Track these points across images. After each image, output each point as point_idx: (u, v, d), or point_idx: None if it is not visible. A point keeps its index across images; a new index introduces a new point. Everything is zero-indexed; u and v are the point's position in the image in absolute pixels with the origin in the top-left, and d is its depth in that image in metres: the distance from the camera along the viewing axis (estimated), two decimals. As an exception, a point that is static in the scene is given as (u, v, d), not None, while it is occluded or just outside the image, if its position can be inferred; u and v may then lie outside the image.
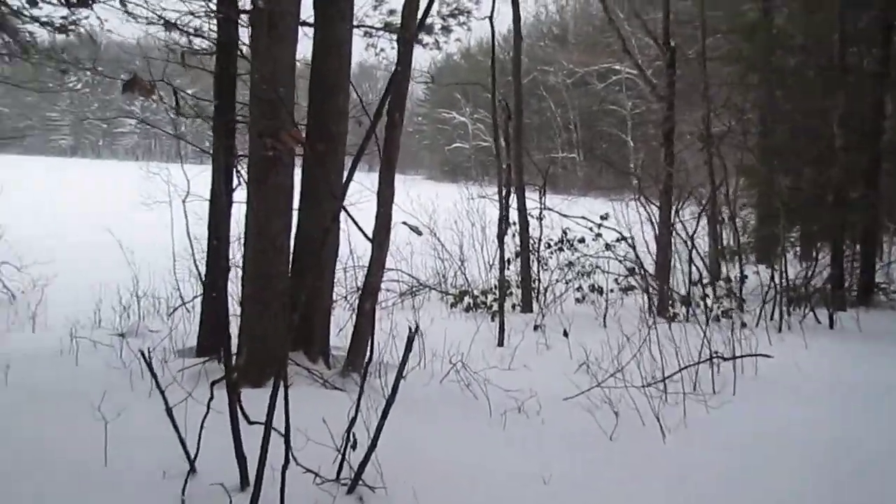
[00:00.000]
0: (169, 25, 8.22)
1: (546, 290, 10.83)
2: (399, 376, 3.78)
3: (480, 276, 12.52)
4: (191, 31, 7.84)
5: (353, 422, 3.79)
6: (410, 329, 3.71)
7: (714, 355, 6.21)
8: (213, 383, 3.78)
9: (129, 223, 11.65)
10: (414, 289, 11.51)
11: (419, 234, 4.29)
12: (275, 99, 5.73)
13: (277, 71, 5.84)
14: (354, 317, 8.05)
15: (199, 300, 8.89)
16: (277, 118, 5.80)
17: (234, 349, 6.80)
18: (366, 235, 3.89)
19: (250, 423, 3.67)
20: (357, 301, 7.33)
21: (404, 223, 4.10)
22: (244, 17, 7.46)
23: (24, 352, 6.68)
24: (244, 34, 7.34)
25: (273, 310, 6.01)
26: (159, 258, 10.72)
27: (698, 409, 5.35)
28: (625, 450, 4.61)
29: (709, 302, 9.38)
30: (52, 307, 9.18)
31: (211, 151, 7.69)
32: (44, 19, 9.11)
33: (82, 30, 9.88)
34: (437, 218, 12.62)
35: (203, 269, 8.61)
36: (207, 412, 3.74)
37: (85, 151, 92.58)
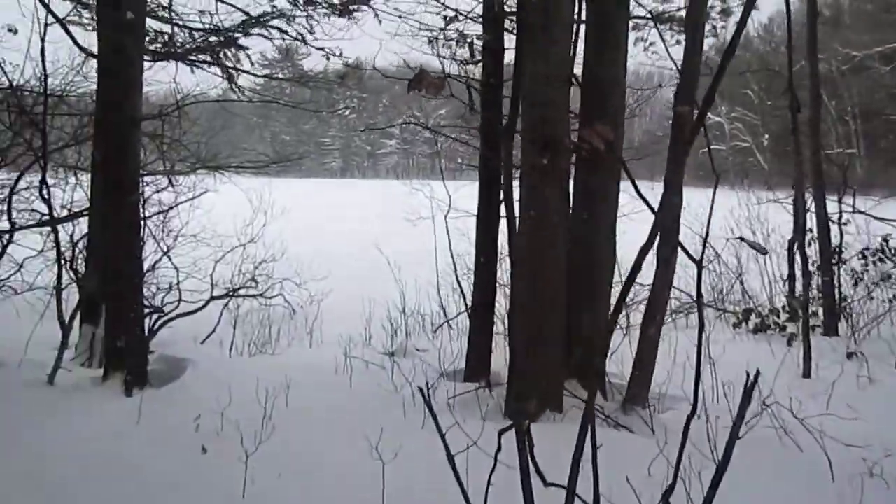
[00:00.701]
0: (432, 39, 8.10)
1: (855, 308, 9.11)
2: (734, 437, 2.93)
3: (763, 291, 11.01)
4: (454, 40, 7.57)
5: (670, 490, 3.02)
6: (748, 374, 2.86)
7: None
8: (500, 433, 3.21)
9: (396, 238, 11.85)
10: (686, 306, 10.35)
11: (763, 252, 3.41)
12: (552, 101, 5.18)
13: (552, 73, 5.26)
14: (627, 339, 7.25)
15: (465, 319, 8.66)
16: (553, 122, 5.23)
17: (494, 369, 6.45)
18: (688, 254, 3.08)
19: (546, 485, 3.04)
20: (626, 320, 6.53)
21: (741, 239, 3.26)
22: (509, 21, 7.05)
23: (304, 368, 6.78)
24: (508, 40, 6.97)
25: (548, 341, 5.43)
26: (424, 273, 10.78)
27: None
28: None
29: None
30: (326, 322, 9.51)
31: (467, 165, 7.35)
32: (318, 46, 9.47)
33: (349, 60, 10.24)
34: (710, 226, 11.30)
35: (469, 287, 8.37)
36: (494, 466, 3.19)
37: (353, 172, 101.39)
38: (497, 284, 6.82)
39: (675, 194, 5.62)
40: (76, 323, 7.04)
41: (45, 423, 5.30)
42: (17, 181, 7.46)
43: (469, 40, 7.28)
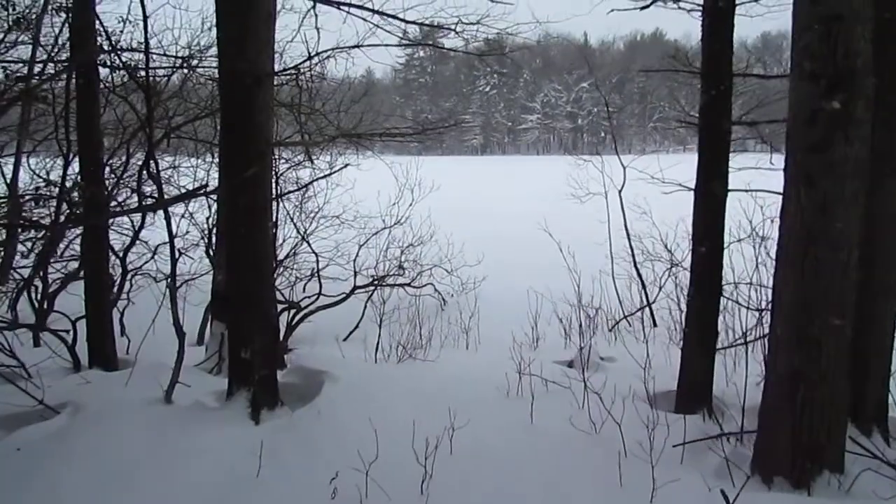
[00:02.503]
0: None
1: None
2: None
3: None
4: None
5: None
6: None
7: None
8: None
9: (560, 218, 10.22)
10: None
11: None
12: (848, 11, 3.38)
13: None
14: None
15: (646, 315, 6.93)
16: (850, 43, 3.43)
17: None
18: None
19: None
20: None
21: None
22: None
23: (466, 385, 5.36)
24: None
25: (832, 372, 3.68)
26: (596, 258, 9.11)
27: None
28: None
29: None
30: (483, 318, 8.08)
31: (681, 123, 5.62)
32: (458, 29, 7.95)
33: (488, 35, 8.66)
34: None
35: (654, 278, 6.62)
36: None
37: (493, 149, 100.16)
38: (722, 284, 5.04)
39: None
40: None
41: (154, 462, 4.21)
42: (147, 159, 6.54)
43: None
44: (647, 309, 8.64)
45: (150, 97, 4.97)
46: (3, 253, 10.65)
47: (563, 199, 10.26)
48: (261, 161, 4.99)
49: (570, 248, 8.97)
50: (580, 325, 7.80)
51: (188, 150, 9.34)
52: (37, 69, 8.44)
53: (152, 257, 9.08)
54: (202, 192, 5.73)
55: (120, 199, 8.18)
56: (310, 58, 5.65)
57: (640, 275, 8.88)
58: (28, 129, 10.90)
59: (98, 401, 5.04)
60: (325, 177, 8.13)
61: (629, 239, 9.11)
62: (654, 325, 8.56)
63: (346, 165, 6.92)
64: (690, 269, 4.94)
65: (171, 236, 4.93)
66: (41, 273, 8.74)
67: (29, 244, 9.83)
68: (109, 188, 8.08)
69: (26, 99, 9.09)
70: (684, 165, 6.99)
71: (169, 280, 4.92)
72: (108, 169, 8.13)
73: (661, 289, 8.48)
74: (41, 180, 9.09)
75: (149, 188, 6.70)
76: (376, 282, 9.02)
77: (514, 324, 8.19)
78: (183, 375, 5.36)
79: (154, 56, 6.58)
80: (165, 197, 5.14)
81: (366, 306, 8.71)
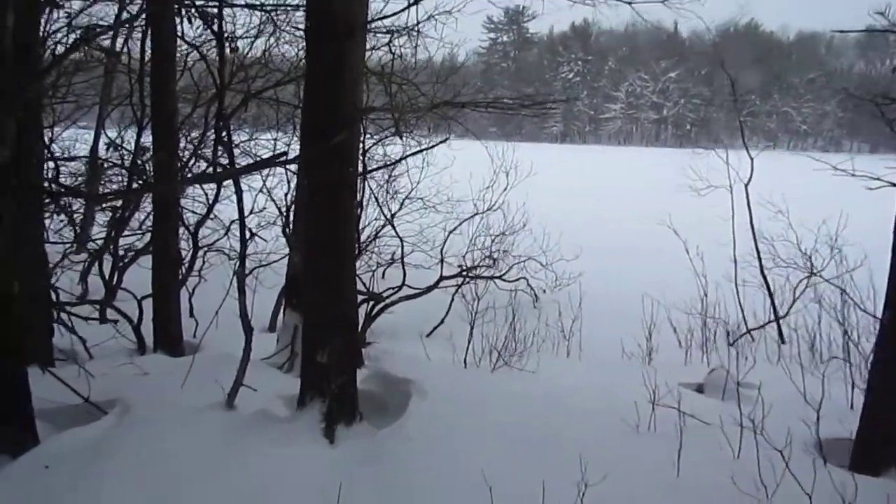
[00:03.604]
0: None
1: None
2: None
3: None
4: None
5: None
6: None
7: None
8: None
9: (670, 212, 9.08)
10: None
11: None
12: None
13: None
14: None
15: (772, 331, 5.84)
16: None
17: None
18: None
19: None
20: None
21: None
22: None
23: (579, 408, 4.43)
24: None
25: None
26: (715, 260, 7.97)
27: None
28: None
29: None
30: (585, 320, 7.08)
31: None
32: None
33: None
34: None
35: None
36: None
37: (573, 137, 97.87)
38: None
39: None
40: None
41: (205, 484, 3.46)
42: (218, 121, 5.85)
43: None
44: (774, 323, 7.49)
45: (224, 47, 4.20)
46: (81, 221, 10.32)
47: (677, 191, 9.13)
48: (349, 128, 4.17)
49: (687, 247, 7.88)
50: (703, 339, 6.73)
51: (269, 120, 8.65)
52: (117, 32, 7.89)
53: (225, 234, 8.45)
54: (280, 160, 4.94)
55: (195, 171, 7.56)
56: (410, 6, 4.76)
57: (767, 283, 7.70)
58: (110, 92, 10.54)
59: (150, 400, 4.35)
60: (417, 152, 7.28)
61: (755, 240, 7.93)
62: (783, 342, 7.41)
63: (445, 140, 6.02)
64: (889, 285, 3.85)
65: (242, 213, 4.18)
66: (111, 246, 8.25)
67: (107, 215, 9.43)
68: (185, 158, 7.49)
69: (108, 57, 8.61)
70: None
71: (237, 265, 4.15)
72: (183, 140, 7.55)
73: (795, 301, 7.29)
74: (115, 148, 8.61)
75: (224, 159, 6.00)
76: (465, 273, 8.15)
77: (620, 330, 7.21)
78: (249, 371, 4.63)
79: (235, 9, 5.85)
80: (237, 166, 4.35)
81: (453, 300, 7.85)
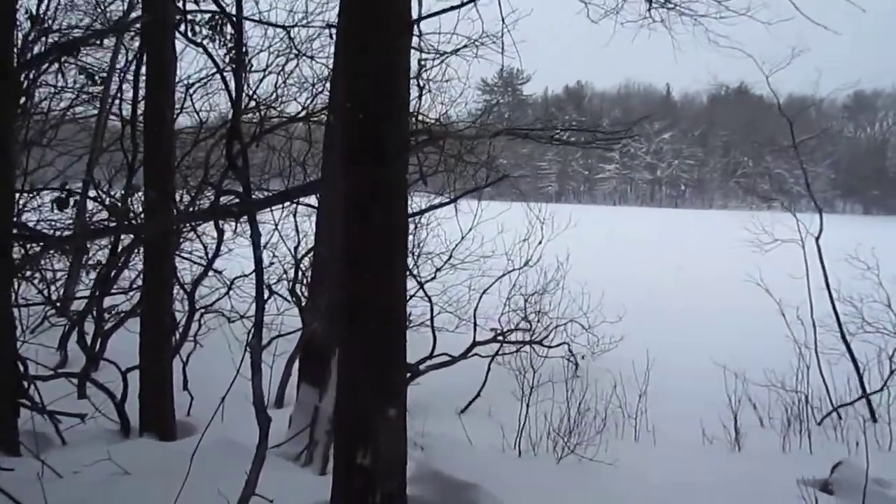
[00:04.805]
0: None
1: None
2: None
3: None
4: None
5: None
6: None
7: None
8: None
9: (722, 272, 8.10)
10: None
11: None
12: None
13: None
14: None
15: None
16: None
17: None
18: None
19: None
20: None
21: None
22: None
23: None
24: None
25: None
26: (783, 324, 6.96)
27: None
28: None
29: None
30: (654, 401, 6.00)
31: None
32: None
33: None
34: None
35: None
36: None
37: (567, 197, 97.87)
38: None
39: None
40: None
41: None
42: (230, 139, 4.90)
43: None
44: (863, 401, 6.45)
45: (242, 56, 3.27)
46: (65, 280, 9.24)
47: (738, 246, 8.21)
48: (404, 153, 3.22)
49: (783, 309, 6.85)
50: (797, 418, 5.66)
51: (277, 165, 7.67)
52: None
53: (227, 293, 7.41)
54: (308, 190, 3.95)
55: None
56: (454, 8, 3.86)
57: (850, 350, 6.69)
58: (101, 141, 9.63)
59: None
60: (455, 200, 6.33)
61: (833, 301, 6.94)
62: (874, 419, 6.36)
63: (503, 177, 5.07)
64: None
65: (260, 262, 3.15)
66: (94, 309, 7.17)
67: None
68: (185, 203, 6.54)
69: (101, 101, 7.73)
70: None
71: (251, 334, 3.11)
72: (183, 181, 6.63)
73: (893, 372, 6.25)
74: (101, 196, 7.62)
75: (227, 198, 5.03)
76: (501, 337, 7.11)
77: (689, 405, 6.16)
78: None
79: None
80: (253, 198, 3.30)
81: (489, 369, 6.78)
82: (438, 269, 7.33)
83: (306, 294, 5.69)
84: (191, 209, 6.03)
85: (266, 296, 3.79)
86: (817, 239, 7.21)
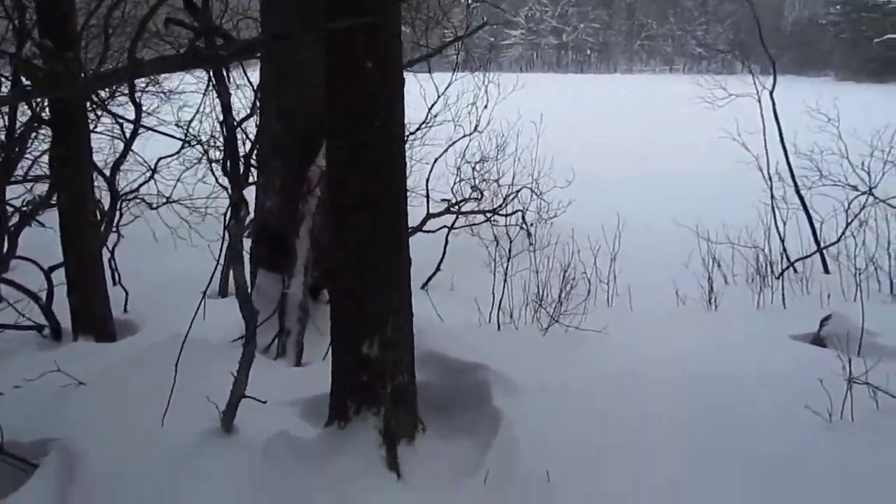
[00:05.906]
0: None
1: None
2: None
3: None
4: None
5: None
6: None
7: None
8: None
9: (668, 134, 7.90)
10: None
11: None
12: None
13: None
14: None
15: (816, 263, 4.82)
16: None
17: None
18: None
19: None
20: None
21: None
22: None
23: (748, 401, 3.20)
24: None
25: None
26: (736, 179, 6.87)
27: None
28: None
29: None
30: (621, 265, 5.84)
31: None
32: None
33: None
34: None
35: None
36: None
37: (473, 65, 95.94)
38: None
39: None
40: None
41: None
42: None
43: None
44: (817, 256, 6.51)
45: None
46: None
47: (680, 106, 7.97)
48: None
49: (702, 167, 6.74)
50: (757, 273, 5.65)
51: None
52: None
53: (151, 177, 6.65)
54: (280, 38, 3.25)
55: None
56: None
57: (804, 204, 6.70)
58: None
59: (98, 434, 2.80)
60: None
61: (786, 153, 6.87)
62: (826, 271, 6.47)
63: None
64: None
65: (232, 127, 2.56)
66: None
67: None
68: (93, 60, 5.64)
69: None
70: None
71: (229, 220, 2.58)
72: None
73: (848, 224, 6.28)
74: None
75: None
76: (454, 208, 6.75)
77: (653, 267, 6.07)
78: (224, 361, 3.14)
79: None
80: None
81: (447, 241, 6.45)
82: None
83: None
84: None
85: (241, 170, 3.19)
86: (771, 93, 7.03)
